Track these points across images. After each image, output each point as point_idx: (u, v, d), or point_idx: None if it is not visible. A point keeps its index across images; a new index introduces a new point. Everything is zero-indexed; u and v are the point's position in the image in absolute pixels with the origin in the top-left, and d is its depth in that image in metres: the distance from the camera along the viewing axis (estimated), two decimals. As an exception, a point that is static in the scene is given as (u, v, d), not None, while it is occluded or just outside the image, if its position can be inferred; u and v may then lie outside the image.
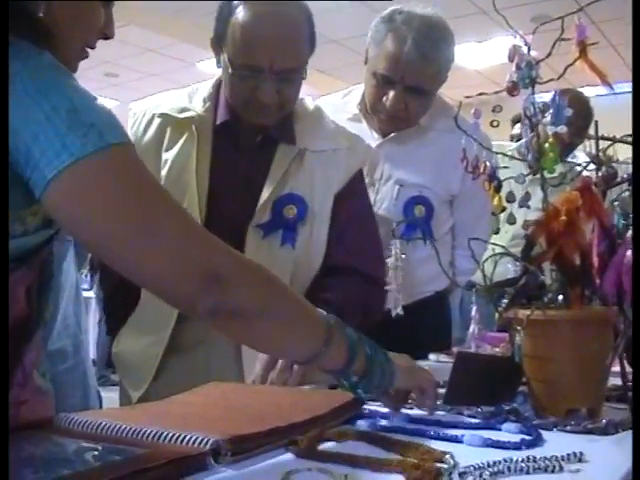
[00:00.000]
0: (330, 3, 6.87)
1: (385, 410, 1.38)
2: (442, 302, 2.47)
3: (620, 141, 2.44)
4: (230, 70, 1.76)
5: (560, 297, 1.37)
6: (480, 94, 1.60)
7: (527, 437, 1.16)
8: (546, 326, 1.32)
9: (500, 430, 1.24)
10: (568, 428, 1.24)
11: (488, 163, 1.43)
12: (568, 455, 1.04)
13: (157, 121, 1.90)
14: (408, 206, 2.23)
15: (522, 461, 1.01)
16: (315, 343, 1.20)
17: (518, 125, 4.57)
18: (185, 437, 1.05)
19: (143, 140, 1.89)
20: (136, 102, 2.00)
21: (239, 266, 1.15)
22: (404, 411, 1.38)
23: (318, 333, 1.21)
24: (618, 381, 1.39)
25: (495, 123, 2.21)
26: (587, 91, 3.22)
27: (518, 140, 4.16)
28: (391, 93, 2.17)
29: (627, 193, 1.44)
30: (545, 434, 1.20)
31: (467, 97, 1.60)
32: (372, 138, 2.32)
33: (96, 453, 1.03)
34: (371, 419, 1.30)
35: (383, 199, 2.27)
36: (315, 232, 1.89)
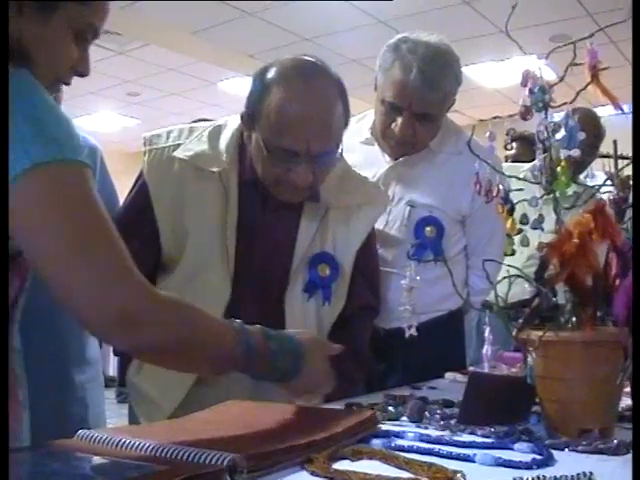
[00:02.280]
0: (349, 23, 6.92)
1: (399, 429, 1.41)
2: (456, 321, 2.49)
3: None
4: (265, 152, 1.75)
5: (573, 318, 1.39)
6: (494, 117, 1.63)
7: (538, 457, 1.18)
8: (558, 347, 1.34)
9: (512, 450, 1.25)
10: (580, 448, 1.25)
11: (501, 186, 1.45)
12: (578, 475, 1.06)
13: (176, 164, 1.86)
14: (419, 226, 2.27)
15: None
16: (229, 363, 1.33)
17: (514, 145, 4.60)
18: (203, 454, 1.07)
19: (162, 179, 1.87)
20: (151, 133, 1.96)
21: (150, 304, 1.18)
22: (418, 430, 1.40)
23: (231, 353, 1.31)
24: (629, 401, 1.40)
25: (509, 147, 2.25)
26: (603, 110, 3.24)
27: (514, 161, 4.19)
28: (399, 120, 2.22)
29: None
30: (557, 454, 1.22)
31: (481, 120, 1.62)
32: (384, 161, 2.39)
33: (116, 469, 1.06)
34: (385, 438, 1.33)
35: (395, 220, 2.32)
36: (341, 287, 1.95)
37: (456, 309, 2.44)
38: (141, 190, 1.89)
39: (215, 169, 1.85)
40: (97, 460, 1.11)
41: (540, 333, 1.32)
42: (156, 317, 1.18)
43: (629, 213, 1.57)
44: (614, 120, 3.70)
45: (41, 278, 1.13)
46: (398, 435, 1.36)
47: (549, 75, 1.51)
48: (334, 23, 6.97)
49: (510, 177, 1.58)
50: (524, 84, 1.49)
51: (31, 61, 1.21)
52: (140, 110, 10.21)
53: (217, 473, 1.03)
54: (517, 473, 1.08)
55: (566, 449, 1.26)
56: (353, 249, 1.96)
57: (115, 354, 2.04)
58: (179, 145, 1.90)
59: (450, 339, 2.45)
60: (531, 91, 1.47)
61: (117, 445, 1.19)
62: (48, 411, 2.10)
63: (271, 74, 1.76)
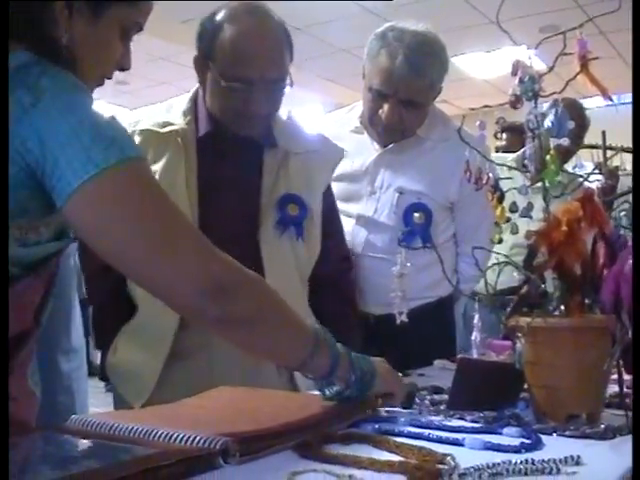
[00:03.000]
0: (339, 12, 6.92)
1: (388, 415, 1.42)
2: (445, 308, 2.51)
3: (625, 150, 2.48)
4: (223, 83, 1.85)
5: (561, 305, 1.40)
6: (484, 107, 1.65)
7: (527, 441, 1.20)
8: (547, 333, 1.35)
9: (501, 434, 1.27)
10: (567, 433, 1.27)
11: (491, 174, 1.46)
12: (565, 458, 1.08)
13: (138, 138, 1.93)
14: (407, 213, 2.30)
15: (520, 463, 1.05)
16: (305, 348, 1.30)
17: (504, 135, 4.62)
18: (195, 438, 1.08)
19: None
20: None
21: (242, 278, 1.23)
22: (408, 416, 1.42)
23: (308, 339, 1.31)
24: (617, 388, 1.42)
25: (499, 136, 2.27)
26: (591, 102, 3.26)
27: (504, 151, 4.20)
28: (386, 107, 2.26)
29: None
30: (545, 438, 1.23)
31: (471, 109, 1.63)
32: (373, 149, 2.43)
33: (109, 452, 1.07)
34: (375, 423, 1.34)
35: (384, 207, 2.36)
36: (313, 228, 2.04)
37: (446, 296, 2.47)
38: None
39: (172, 128, 1.94)
40: (89, 443, 1.12)
41: (529, 319, 1.34)
42: (249, 289, 1.23)
43: (616, 203, 1.59)
44: (602, 112, 3.73)
45: (126, 274, 1.22)
46: (388, 420, 1.37)
47: (539, 65, 1.52)
48: (324, 12, 6.96)
49: (500, 165, 1.60)
50: (514, 73, 1.50)
51: (80, 62, 1.22)
52: (130, 99, 10.16)
53: (210, 456, 1.05)
54: (506, 457, 1.09)
55: (554, 434, 1.28)
56: (318, 192, 2.07)
57: (97, 346, 2.10)
58: (138, 122, 1.98)
59: (440, 326, 2.47)
60: (521, 80, 1.48)
61: (109, 429, 1.20)
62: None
63: (221, 15, 1.90)
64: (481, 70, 8.63)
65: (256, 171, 2.00)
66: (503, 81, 8.54)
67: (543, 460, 1.06)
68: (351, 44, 7.33)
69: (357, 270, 2.36)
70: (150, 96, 10.16)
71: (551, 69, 1.51)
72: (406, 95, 2.24)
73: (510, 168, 1.83)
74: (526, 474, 1.03)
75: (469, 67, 8.63)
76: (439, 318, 2.46)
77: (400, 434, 1.27)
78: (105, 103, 10.63)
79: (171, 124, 1.96)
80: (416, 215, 2.29)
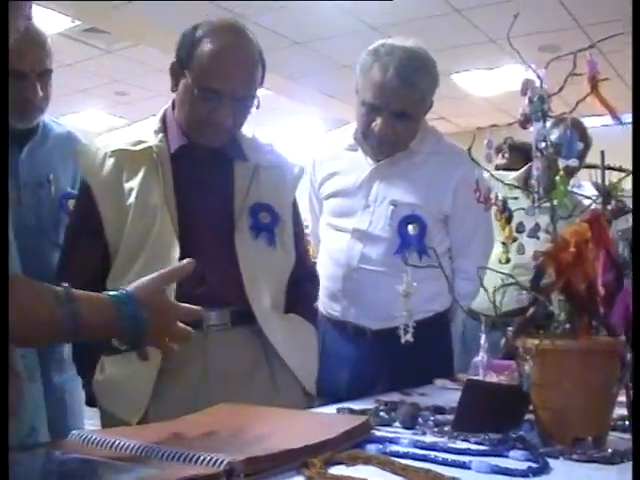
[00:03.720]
0: (340, 27, 6.93)
1: (393, 435, 1.41)
2: (443, 324, 2.51)
3: (620, 170, 2.46)
4: (195, 91, 1.95)
5: (568, 327, 1.39)
6: (492, 126, 1.63)
7: (534, 465, 1.19)
8: (554, 355, 1.34)
9: (507, 457, 1.26)
10: (574, 457, 1.26)
11: (500, 194, 1.46)
12: (574, 484, 1.06)
13: (111, 160, 2.01)
14: (402, 224, 2.34)
15: (529, 488, 1.03)
16: (53, 326, 1.26)
17: (505, 154, 4.60)
18: (199, 457, 1.07)
19: (100, 176, 2.01)
20: (80, 145, 2.19)
21: None
22: (412, 436, 1.40)
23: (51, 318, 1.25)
24: (624, 411, 1.41)
25: (505, 155, 2.28)
26: (590, 121, 3.25)
27: (504, 169, 4.19)
28: (379, 120, 2.32)
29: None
30: (551, 462, 1.22)
31: (479, 128, 1.63)
32: (367, 164, 2.47)
33: (110, 472, 1.06)
34: (380, 444, 1.32)
35: (378, 220, 2.39)
36: (286, 237, 2.12)
37: (443, 311, 2.48)
38: (83, 190, 2.07)
39: (146, 145, 2.02)
40: (91, 462, 1.11)
41: (536, 341, 1.33)
42: None
43: (617, 224, 1.58)
44: (600, 131, 3.73)
45: None
46: (392, 441, 1.35)
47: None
48: (326, 28, 6.97)
49: (509, 185, 1.60)
50: (524, 93, 1.49)
51: None
52: (128, 110, 10.18)
53: (214, 477, 1.03)
54: (513, 481, 1.08)
55: (561, 457, 1.26)
56: (287, 203, 2.17)
57: (79, 372, 2.10)
58: (108, 145, 2.06)
59: (438, 341, 2.45)
60: (530, 100, 1.48)
61: (111, 446, 1.19)
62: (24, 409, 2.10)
63: (202, 29, 2.01)
64: (480, 88, 8.64)
65: (228, 182, 2.08)
66: (502, 99, 8.57)
67: (552, 485, 1.05)
68: (352, 60, 7.32)
69: (353, 284, 2.40)
70: (148, 107, 10.17)
71: (561, 89, 1.51)
72: (398, 107, 2.29)
73: (513, 187, 1.83)
74: (535, 500, 1.01)
75: (468, 85, 8.63)
76: (437, 333, 2.46)
77: (405, 456, 1.25)
78: (105, 114, 10.67)
79: (144, 142, 2.03)
80: (410, 227, 2.33)
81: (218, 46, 1.96)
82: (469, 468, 1.18)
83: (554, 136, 1.49)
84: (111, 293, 1.36)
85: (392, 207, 2.36)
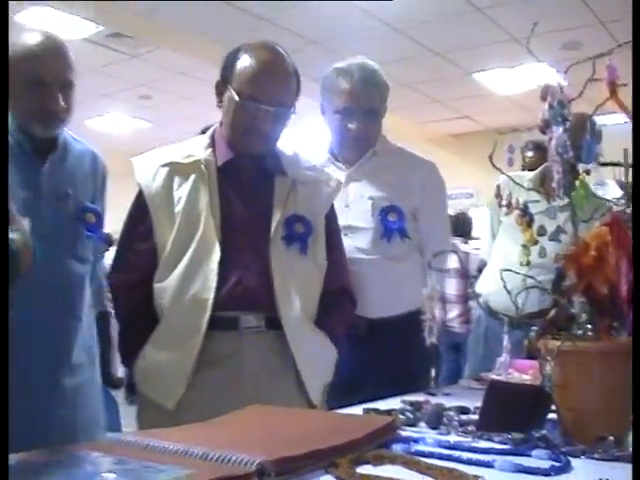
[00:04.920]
0: (362, 29, 6.96)
1: (418, 435, 1.44)
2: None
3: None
4: (238, 100, 2.12)
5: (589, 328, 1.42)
6: (514, 130, 1.66)
7: (556, 464, 1.22)
8: (575, 356, 1.37)
9: (530, 456, 1.29)
10: (596, 455, 1.29)
11: (520, 199, 1.49)
12: (594, 482, 1.09)
13: (164, 170, 2.18)
14: (382, 214, 2.62)
15: (551, 486, 1.06)
16: None
17: (528, 154, 4.61)
18: (231, 458, 1.11)
19: (153, 187, 2.18)
20: (137, 157, 2.29)
21: None
22: (437, 436, 1.44)
23: None
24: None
25: (530, 153, 2.32)
26: (614, 118, 3.27)
27: (529, 169, 4.20)
28: (354, 119, 2.64)
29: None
30: (573, 461, 1.25)
31: (500, 133, 1.66)
32: (339, 172, 2.70)
33: (145, 471, 1.09)
34: (405, 443, 1.35)
35: (360, 214, 2.65)
36: (318, 245, 2.25)
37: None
38: (137, 197, 2.23)
39: (195, 158, 2.19)
40: (128, 463, 1.15)
41: (558, 343, 1.36)
42: None
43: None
44: (623, 128, 3.72)
45: None
46: (417, 441, 1.39)
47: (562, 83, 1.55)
48: (348, 30, 6.99)
49: (529, 189, 1.62)
50: (544, 98, 1.52)
51: None
52: (152, 113, 10.26)
53: (246, 476, 1.07)
54: (535, 479, 1.11)
55: (582, 456, 1.29)
56: (321, 214, 2.29)
57: (124, 362, 2.26)
58: (161, 158, 2.24)
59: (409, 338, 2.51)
60: (550, 105, 1.51)
61: (145, 448, 1.23)
62: (33, 412, 2.19)
63: (242, 49, 2.19)
64: (502, 86, 8.64)
65: (268, 194, 2.22)
66: (525, 97, 8.56)
67: (573, 483, 1.08)
68: (375, 60, 7.37)
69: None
70: (171, 110, 10.26)
71: (580, 94, 1.54)
72: (367, 104, 2.64)
73: (532, 190, 1.87)
74: (557, 497, 1.05)
75: (490, 83, 8.63)
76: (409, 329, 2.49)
77: (430, 455, 1.28)
78: (129, 117, 10.76)
79: (194, 156, 2.20)
80: (390, 215, 2.61)
81: (257, 60, 2.14)
82: (492, 467, 1.21)
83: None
84: None
85: (371, 201, 2.64)
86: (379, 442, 1.35)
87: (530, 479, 1.13)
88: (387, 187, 2.68)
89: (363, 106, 2.64)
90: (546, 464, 1.21)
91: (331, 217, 2.36)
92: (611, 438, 1.33)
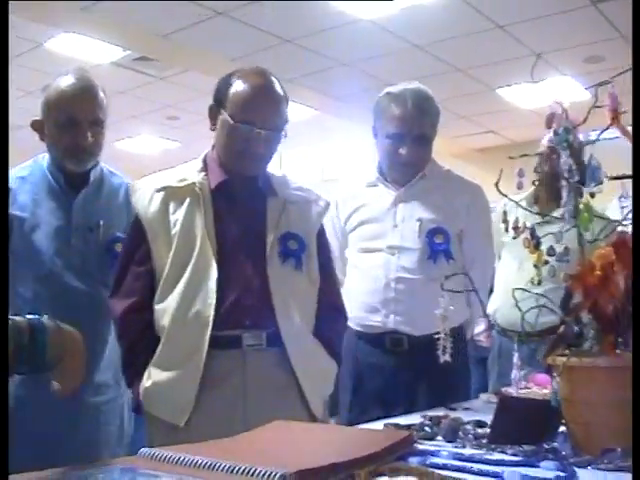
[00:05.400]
0: (385, 48, 7.04)
1: (434, 448, 1.52)
2: (463, 336, 2.83)
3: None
4: (232, 124, 2.21)
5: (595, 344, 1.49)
6: (522, 155, 1.74)
7: (562, 474, 1.29)
8: (582, 372, 1.44)
9: (539, 467, 1.36)
10: (602, 466, 1.35)
11: (528, 223, 1.56)
12: (598, 490, 1.16)
13: (159, 195, 2.26)
14: (429, 236, 2.72)
15: (555, 494, 1.14)
16: None
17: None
18: (256, 470, 1.19)
19: (149, 211, 2.25)
20: (134, 182, 2.40)
21: None
22: (452, 449, 1.51)
23: None
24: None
25: (537, 182, 2.41)
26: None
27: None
28: (405, 145, 2.76)
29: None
30: (580, 472, 1.32)
31: (510, 157, 1.74)
32: (388, 193, 2.89)
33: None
34: (421, 456, 1.44)
35: (408, 235, 2.77)
36: (311, 262, 2.34)
37: (462, 324, 2.79)
38: (134, 222, 2.31)
39: (189, 182, 2.27)
40: (161, 477, 1.23)
41: (564, 359, 1.43)
42: None
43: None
44: (610, 143, 3.76)
45: None
46: (433, 453, 1.47)
47: (583, 96, 1.62)
48: (370, 48, 7.09)
49: (538, 214, 1.69)
50: (549, 126, 1.60)
51: None
52: (180, 133, 10.41)
53: (270, 487, 1.15)
54: (542, 489, 1.19)
55: (589, 467, 1.36)
56: (313, 232, 2.39)
57: (129, 385, 2.31)
58: (156, 182, 2.32)
59: (461, 352, 2.69)
60: (556, 132, 1.59)
61: (177, 462, 1.32)
62: (57, 428, 2.37)
63: (235, 75, 2.28)
64: (527, 101, 8.67)
65: (262, 214, 2.31)
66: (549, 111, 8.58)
67: (576, 492, 1.15)
68: (397, 78, 7.41)
69: (392, 293, 2.72)
70: (199, 130, 10.35)
71: (585, 120, 1.61)
72: (418, 130, 2.76)
73: (523, 208, 1.98)
74: (559, 504, 1.12)
75: (515, 98, 8.67)
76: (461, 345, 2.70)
77: (444, 467, 1.36)
78: (157, 138, 10.92)
79: (187, 179, 2.28)
80: (436, 236, 2.71)
81: (250, 85, 2.23)
82: (501, 478, 1.28)
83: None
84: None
85: (419, 223, 2.75)
86: (396, 455, 1.42)
87: (537, 488, 1.20)
88: (434, 209, 2.78)
89: (414, 132, 2.76)
90: (553, 474, 1.29)
91: (321, 236, 2.44)
92: (618, 450, 1.40)
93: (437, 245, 2.69)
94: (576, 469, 1.33)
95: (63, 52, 7.08)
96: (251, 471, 1.20)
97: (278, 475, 1.17)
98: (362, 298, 2.73)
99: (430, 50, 7.14)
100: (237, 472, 1.22)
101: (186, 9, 6.14)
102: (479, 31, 6.66)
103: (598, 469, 1.35)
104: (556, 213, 1.62)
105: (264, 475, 1.18)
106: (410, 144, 2.75)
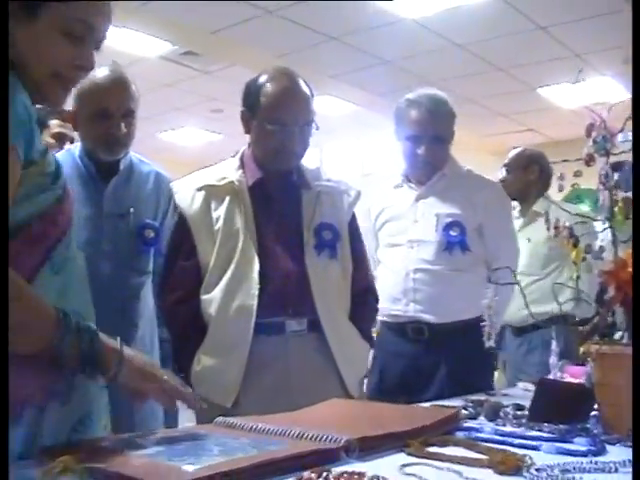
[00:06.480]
0: (427, 46, 7.16)
1: (478, 425, 1.68)
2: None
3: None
4: (267, 126, 2.36)
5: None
6: (564, 160, 1.89)
7: (593, 448, 1.44)
8: (613, 358, 1.59)
9: (572, 443, 1.51)
10: (629, 443, 1.50)
11: (567, 223, 1.72)
12: (624, 461, 1.32)
13: (200, 193, 2.41)
14: (446, 229, 2.89)
15: (586, 463, 1.30)
16: (46, 329, 1.36)
17: None
18: (323, 436, 1.37)
19: (192, 209, 2.41)
20: (176, 182, 2.56)
21: None
22: (494, 426, 1.67)
23: (49, 321, 1.37)
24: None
25: (575, 185, 2.55)
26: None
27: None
28: (423, 145, 2.95)
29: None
30: (610, 448, 1.48)
31: (552, 162, 1.89)
32: (410, 193, 3.07)
33: (260, 444, 1.35)
34: (467, 431, 1.61)
35: (426, 229, 2.94)
36: (344, 249, 2.50)
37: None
38: (178, 220, 2.46)
39: (228, 180, 2.42)
40: (241, 439, 1.41)
41: (597, 347, 1.58)
42: None
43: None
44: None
45: None
46: (477, 429, 1.63)
47: (623, 95, 1.76)
48: (412, 47, 7.20)
49: (580, 217, 1.85)
50: (588, 134, 1.74)
51: (22, 62, 1.35)
52: (223, 126, 10.56)
53: (336, 450, 1.32)
54: (575, 459, 1.34)
55: (617, 444, 1.51)
56: (345, 221, 2.55)
57: (179, 371, 2.38)
58: (198, 181, 2.47)
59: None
60: (594, 141, 1.73)
61: (250, 429, 1.49)
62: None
63: (262, 78, 2.43)
64: (567, 100, 8.73)
65: (297, 207, 2.47)
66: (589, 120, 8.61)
67: (604, 462, 1.31)
68: (438, 76, 7.52)
69: (412, 283, 2.89)
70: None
71: (621, 130, 1.76)
72: (435, 132, 2.94)
73: (585, 218, 2.11)
74: (589, 472, 1.28)
75: (555, 97, 8.74)
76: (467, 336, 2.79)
77: (487, 440, 1.52)
78: (201, 130, 11.10)
79: (227, 178, 2.44)
80: (453, 230, 2.88)
81: (279, 86, 2.38)
82: (539, 450, 1.45)
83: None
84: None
85: (436, 218, 2.92)
86: (445, 429, 1.59)
87: (571, 459, 1.35)
88: (452, 204, 2.95)
89: (429, 133, 2.93)
90: (585, 448, 1.44)
91: (353, 224, 2.60)
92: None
93: (453, 237, 2.85)
94: (606, 445, 1.48)
95: (112, 45, 7.26)
96: (318, 437, 1.37)
97: (343, 440, 1.34)
98: (387, 290, 2.88)
99: (471, 49, 7.24)
100: (305, 438, 1.39)
101: (237, 8, 6.29)
102: (520, 32, 6.74)
103: (626, 446, 1.50)
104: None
105: (331, 440, 1.35)
106: (427, 144, 2.93)
